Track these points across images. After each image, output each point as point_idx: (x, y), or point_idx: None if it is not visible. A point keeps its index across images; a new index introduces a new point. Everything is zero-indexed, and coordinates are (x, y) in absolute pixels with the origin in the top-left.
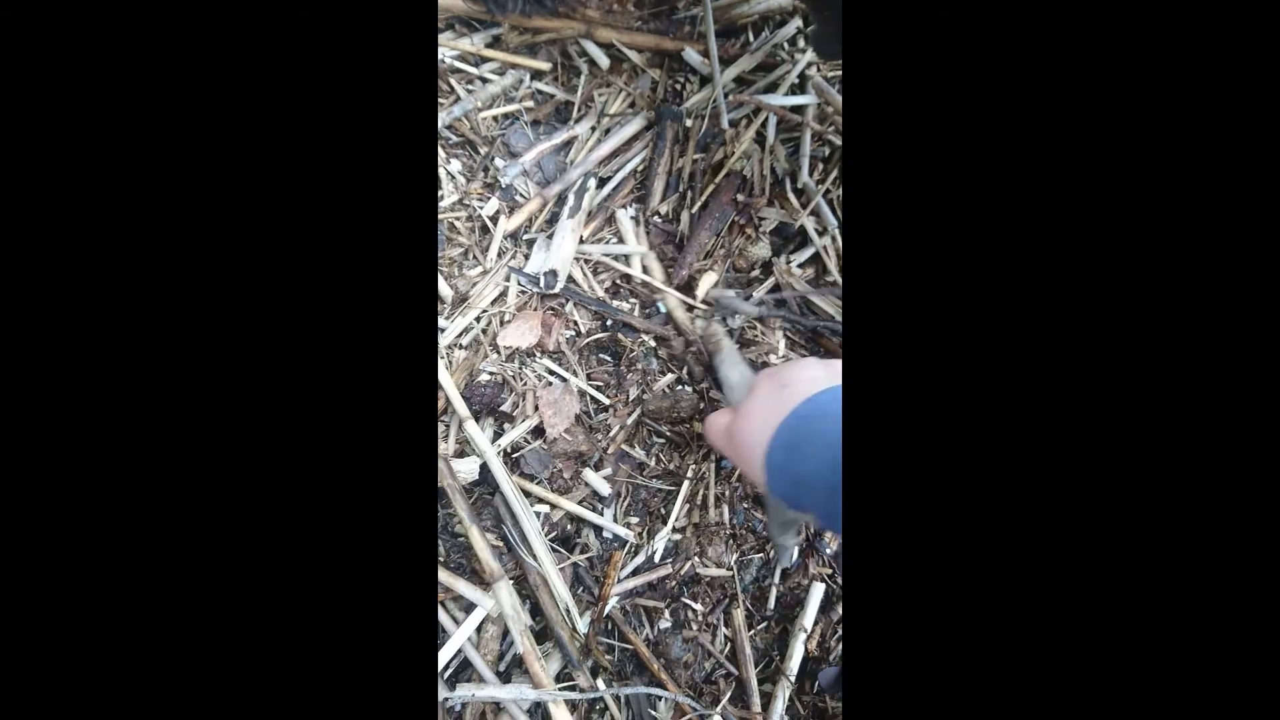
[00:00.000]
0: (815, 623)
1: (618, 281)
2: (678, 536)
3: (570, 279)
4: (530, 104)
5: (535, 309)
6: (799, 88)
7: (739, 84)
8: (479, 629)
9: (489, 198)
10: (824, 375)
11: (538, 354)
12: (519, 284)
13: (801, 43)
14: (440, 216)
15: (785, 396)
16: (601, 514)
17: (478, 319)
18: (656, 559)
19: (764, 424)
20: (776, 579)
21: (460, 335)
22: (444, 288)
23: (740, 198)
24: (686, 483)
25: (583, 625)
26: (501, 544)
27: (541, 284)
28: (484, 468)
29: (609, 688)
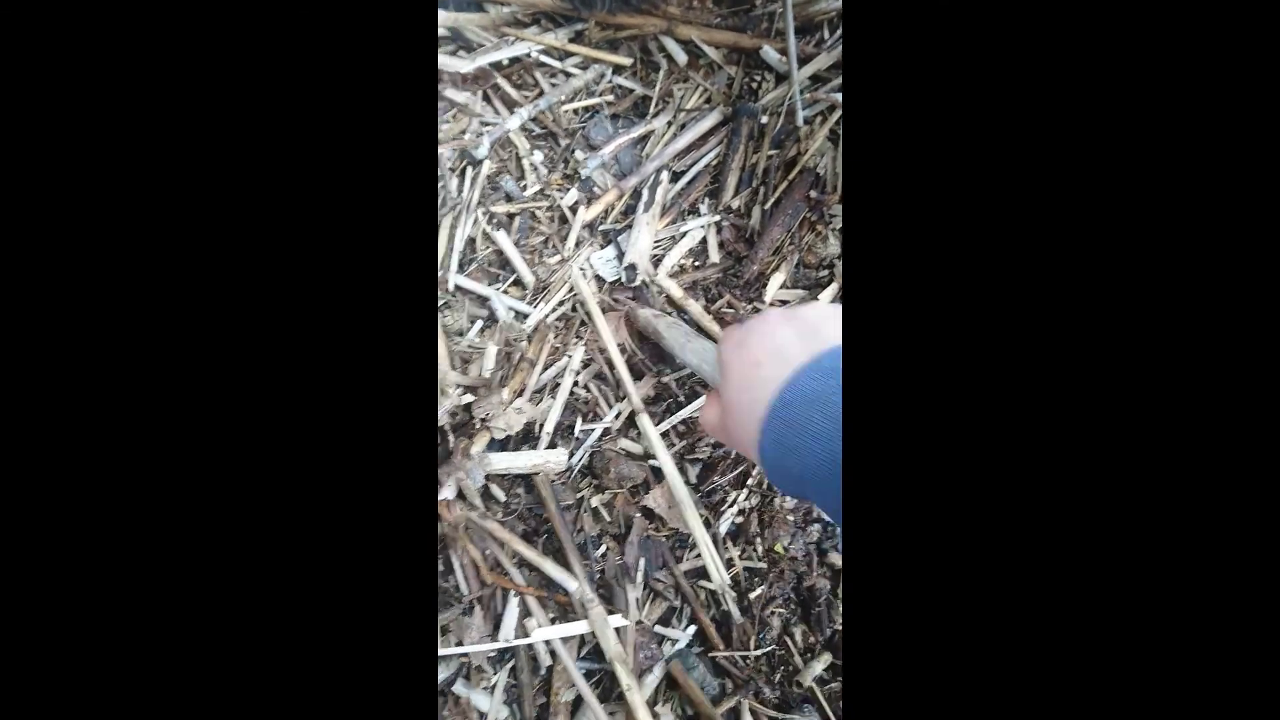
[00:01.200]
0: None
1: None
2: None
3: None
4: (610, 98)
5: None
6: None
7: (815, 81)
8: None
9: (568, 189)
10: (793, 336)
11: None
12: (597, 276)
13: None
14: (523, 206)
15: (760, 382)
16: None
17: (560, 304)
18: None
19: (749, 417)
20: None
21: (543, 321)
22: (525, 274)
23: (813, 194)
24: None
25: None
26: None
27: (622, 279)
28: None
29: None
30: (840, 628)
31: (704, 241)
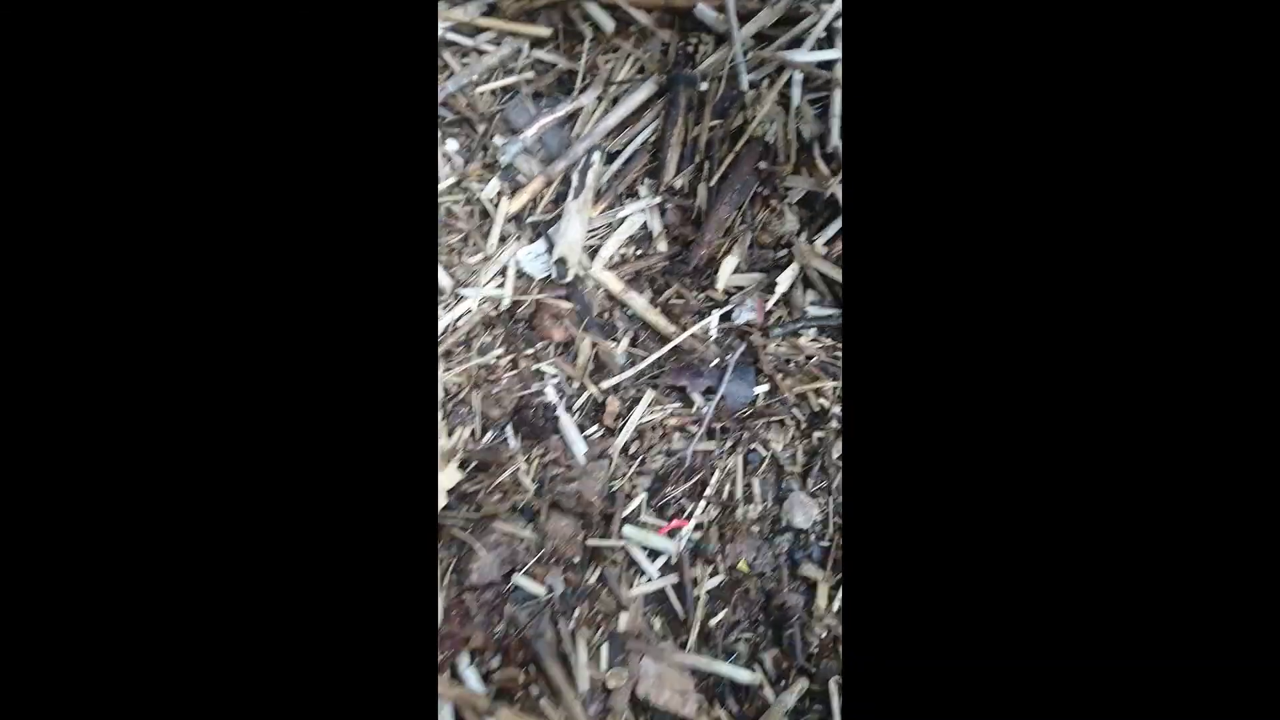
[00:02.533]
0: None
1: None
2: None
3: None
4: (530, 75)
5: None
6: (826, 41)
7: (759, 40)
8: None
9: (489, 179)
10: None
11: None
12: (522, 273)
13: None
14: (438, 201)
15: None
16: None
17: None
18: None
19: None
20: None
21: (458, 321)
22: (443, 277)
23: (763, 166)
24: None
25: None
26: None
27: (552, 274)
28: None
29: None
30: (815, 651)
31: (645, 226)
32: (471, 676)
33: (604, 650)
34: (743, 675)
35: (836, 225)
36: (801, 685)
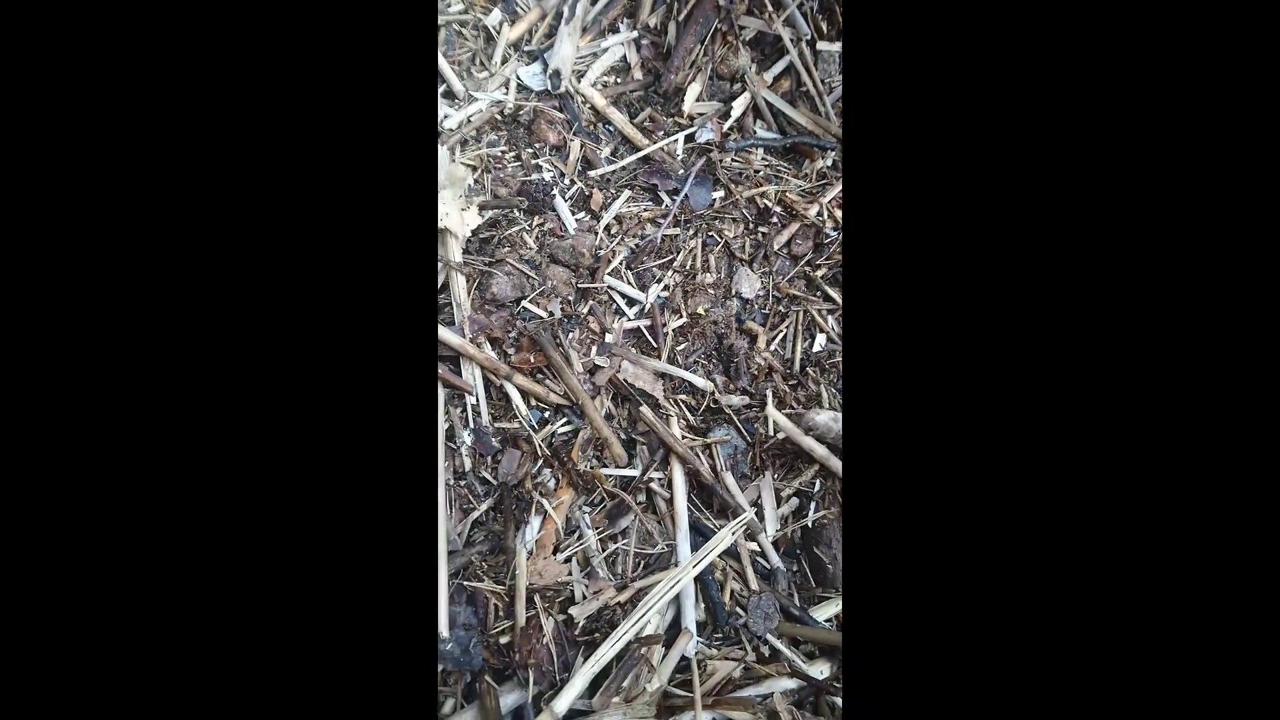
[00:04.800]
0: None
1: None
2: None
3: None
4: None
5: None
6: None
7: None
8: None
9: (490, 9)
10: None
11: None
12: (523, 86)
13: None
14: (447, 19)
15: None
16: None
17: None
18: None
19: None
20: None
21: (470, 118)
22: (456, 84)
23: (722, 4)
24: None
25: None
26: None
27: (548, 87)
28: None
29: None
30: (754, 374)
31: (624, 59)
32: (493, 355)
33: (593, 351)
34: (700, 381)
35: (784, 63)
36: (742, 400)
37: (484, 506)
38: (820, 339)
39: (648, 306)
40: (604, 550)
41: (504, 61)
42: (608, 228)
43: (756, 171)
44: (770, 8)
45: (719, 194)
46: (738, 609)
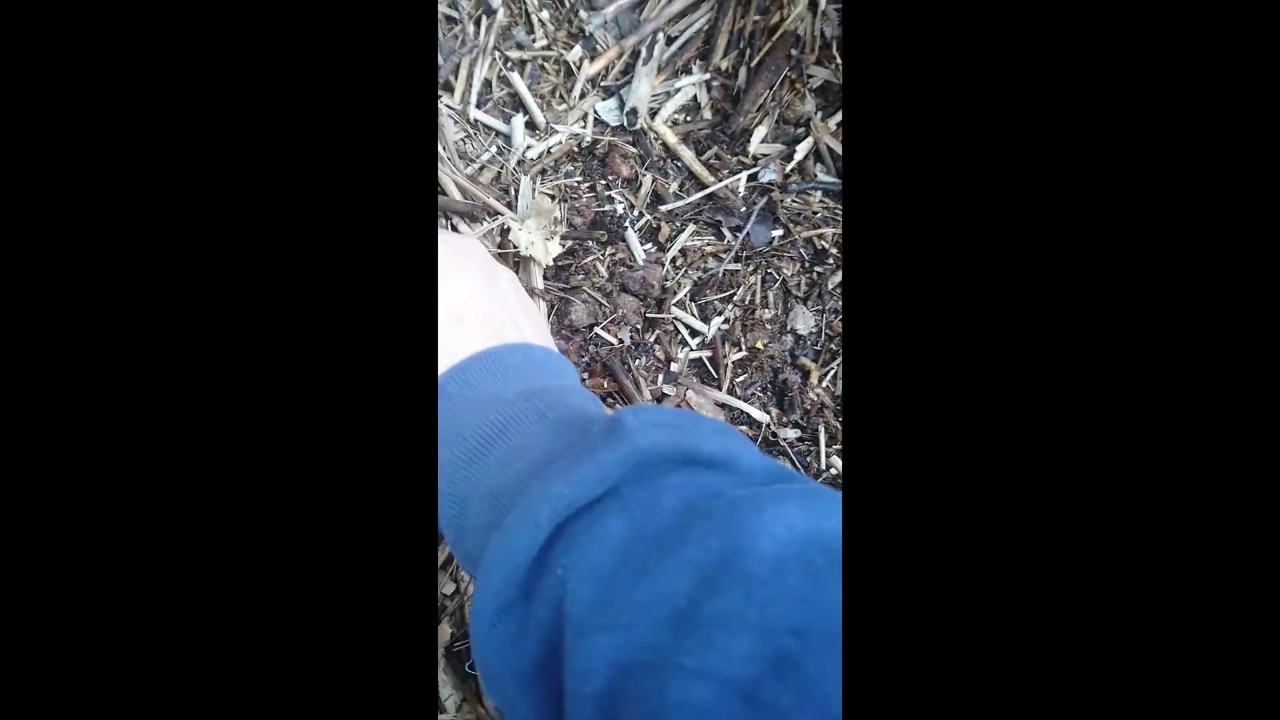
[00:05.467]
0: None
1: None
2: None
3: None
4: None
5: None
6: None
7: None
8: None
9: (572, 46)
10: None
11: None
12: (599, 120)
13: None
14: (533, 56)
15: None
16: None
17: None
18: None
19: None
20: None
21: (550, 149)
22: (538, 116)
23: (793, 52)
24: None
25: None
26: None
27: (624, 123)
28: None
29: None
30: (807, 409)
31: (695, 99)
32: None
33: (659, 379)
34: (757, 413)
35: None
36: (795, 433)
37: None
38: None
39: (709, 338)
40: None
41: (583, 96)
42: (674, 260)
43: (815, 213)
44: (839, 59)
45: (778, 232)
46: None
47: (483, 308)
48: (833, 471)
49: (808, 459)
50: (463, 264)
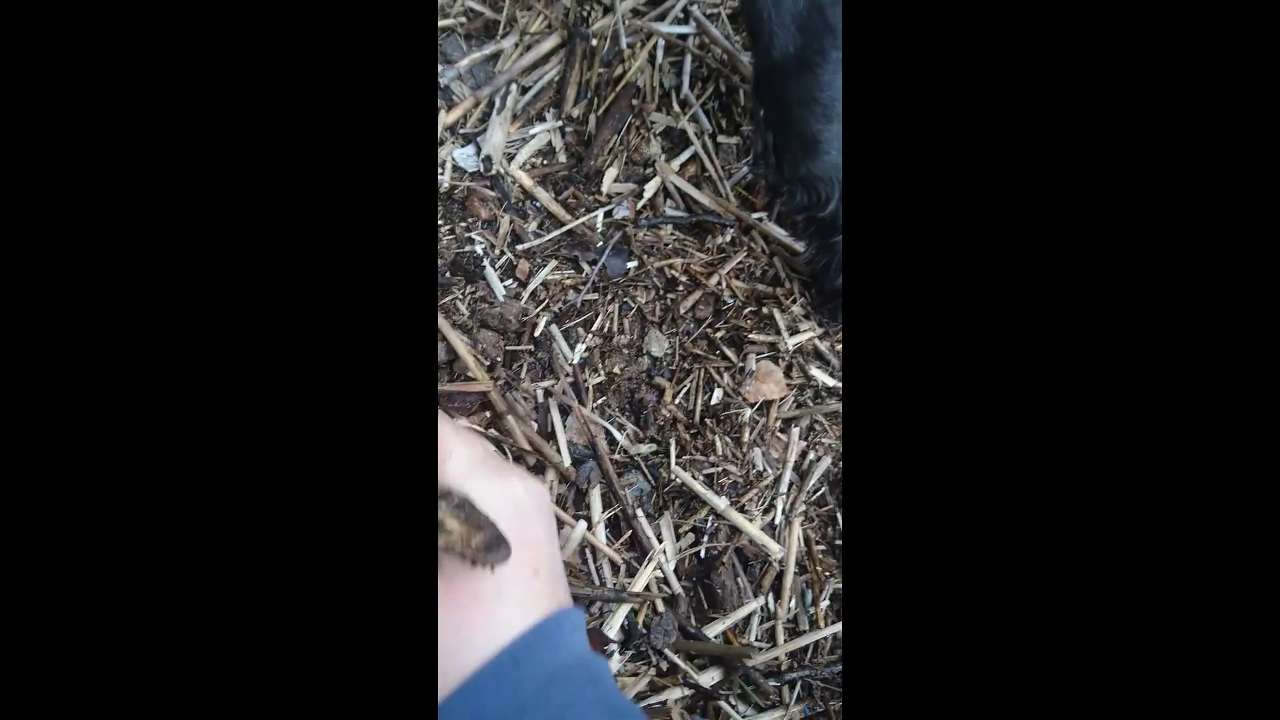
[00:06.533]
0: None
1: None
2: None
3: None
4: (464, 19)
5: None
6: (683, 19)
7: (635, 14)
8: None
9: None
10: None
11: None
12: (457, 167)
13: None
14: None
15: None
16: None
17: None
18: None
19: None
20: None
21: None
22: None
23: (635, 103)
24: None
25: None
26: None
27: (480, 169)
28: None
29: None
30: (660, 424)
31: (550, 144)
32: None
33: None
34: (616, 433)
35: (689, 152)
36: (650, 448)
37: None
38: (718, 393)
39: (571, 365)
40: None
41: (440, 144)
42: (534, 294)
43: (666, 245)
44: (678, 106)
45: (633, 264)
46: (642, 628)
47: (549, 566)
48: (677, 481)
49: (659, 470)
50: (541, 501)
